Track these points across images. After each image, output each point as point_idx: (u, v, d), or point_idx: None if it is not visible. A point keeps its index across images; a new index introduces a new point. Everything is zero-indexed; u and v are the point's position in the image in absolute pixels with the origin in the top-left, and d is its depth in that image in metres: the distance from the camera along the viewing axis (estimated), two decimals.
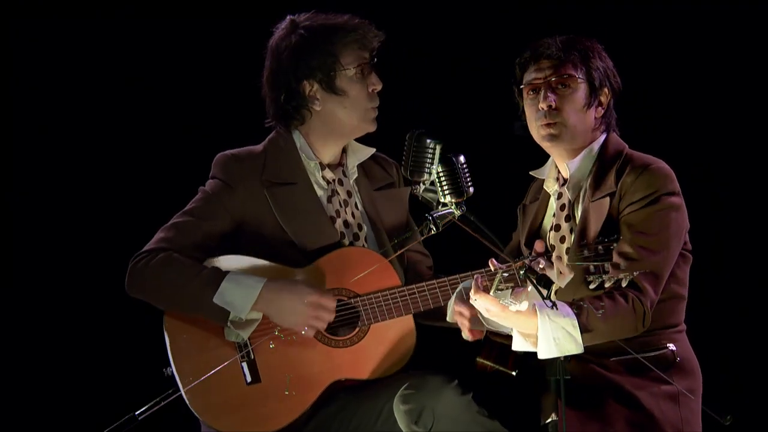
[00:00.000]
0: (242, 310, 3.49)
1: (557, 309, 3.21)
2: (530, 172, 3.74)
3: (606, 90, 3.60)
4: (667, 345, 3.47)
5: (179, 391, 3.52)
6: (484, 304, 3.24)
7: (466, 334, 3.49)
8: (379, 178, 3.83)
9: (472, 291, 3.28)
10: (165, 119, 4.94)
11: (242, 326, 3.53)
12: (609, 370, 3.42)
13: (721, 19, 4.75)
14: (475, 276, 3.33)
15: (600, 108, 3.60)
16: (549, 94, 3.54)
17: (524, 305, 3.19)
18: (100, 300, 4.86)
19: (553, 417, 3.33)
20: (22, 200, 4.91)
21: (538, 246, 3.36)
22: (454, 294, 3.49)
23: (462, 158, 3.35)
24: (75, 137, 4.93)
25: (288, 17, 3.73)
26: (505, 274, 3.33)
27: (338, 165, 3.78)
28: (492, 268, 3.38)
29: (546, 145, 3.60)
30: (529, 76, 3.59)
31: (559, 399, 3.19)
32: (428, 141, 3.31)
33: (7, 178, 4.90)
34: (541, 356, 3.24)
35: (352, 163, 3.79)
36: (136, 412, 3.57)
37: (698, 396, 3.48)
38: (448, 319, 3.55)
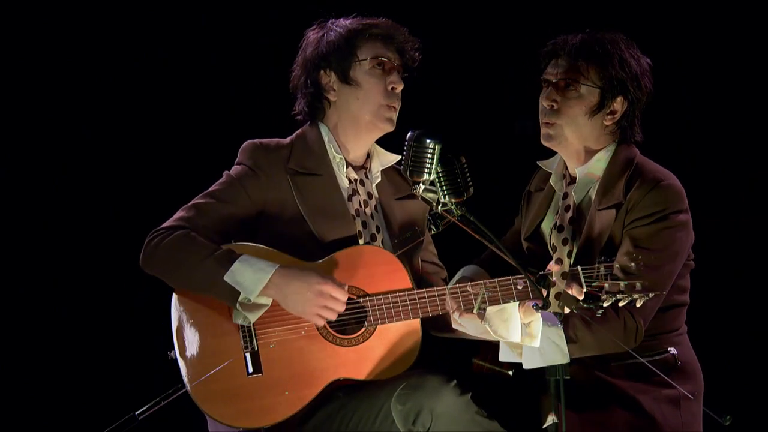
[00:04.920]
0: (252, 292, 3.48)
1: (543, 320, 3.22)
2: (538, 162, 3.72)
3: (621, 99, 3.54)
4: (668, 349, 3.46)
5: (182, 383, 3.52)
6: (469, 323, 3.29)
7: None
8: (402, 189, 3.82)
9: (456, 314, 3.35)
10: (188, 112, 4.96)
11: (250, 309, 3.51)
12: (610, 375, 3.42)
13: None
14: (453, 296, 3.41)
15: (611, 116, 3.56)
16: (553, 93, 3.54)
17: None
18: (100, 300, 4.86)
19: (553, 419, 3.32)
20: (22, 193, 4.91)
21: (553, 267, 3.36)
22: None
23: (462, 158, 3.35)
24: (88, 126, 4.94)
25: (330, 18, 3.78)
26: (487, 293, 3.34)
27: (362, 167, 3.80)
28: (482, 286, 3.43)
29: (544, 143, 3.59)
30: (546, 69, 3.58)
31: (558, 400, 3.19)
32: (428, 141, 3.30)
33: (14, 162, 4.90)
34: (526, 366, 3.25)
35: (376, 167, 3.80)
36: (136, 412, 3.57)
37: (699, 399, 3.47)
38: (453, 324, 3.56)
